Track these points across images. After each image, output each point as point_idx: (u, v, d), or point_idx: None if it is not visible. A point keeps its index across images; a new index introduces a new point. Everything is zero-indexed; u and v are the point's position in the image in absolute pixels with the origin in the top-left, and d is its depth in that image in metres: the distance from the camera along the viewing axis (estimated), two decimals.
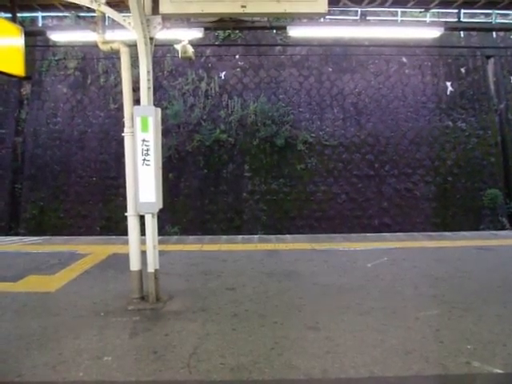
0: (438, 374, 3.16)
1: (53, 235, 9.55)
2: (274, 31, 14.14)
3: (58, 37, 7.49)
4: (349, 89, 15.22)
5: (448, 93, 15.39)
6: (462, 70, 15.57)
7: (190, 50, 6.68)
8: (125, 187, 4.71)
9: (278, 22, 9.51)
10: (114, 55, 13.00)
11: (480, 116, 15.16)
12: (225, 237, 8.53)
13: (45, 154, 14.65)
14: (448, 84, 15.44)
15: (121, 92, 4.86)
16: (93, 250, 7.11)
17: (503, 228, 13.85)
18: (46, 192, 14.36)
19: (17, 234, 12.74)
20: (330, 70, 15.37)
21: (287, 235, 9.12)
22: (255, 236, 8.90)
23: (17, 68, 6.02)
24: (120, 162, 12.76)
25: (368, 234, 8.66)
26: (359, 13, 10.59)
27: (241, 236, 8.72)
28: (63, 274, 5.73)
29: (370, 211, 14.44)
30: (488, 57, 15.65)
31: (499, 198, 14.33)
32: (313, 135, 14.74)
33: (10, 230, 13.81)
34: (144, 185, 4.49)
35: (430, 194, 14.61)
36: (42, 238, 8.51)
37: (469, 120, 15.11)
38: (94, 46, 5.40)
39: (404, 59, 15.46)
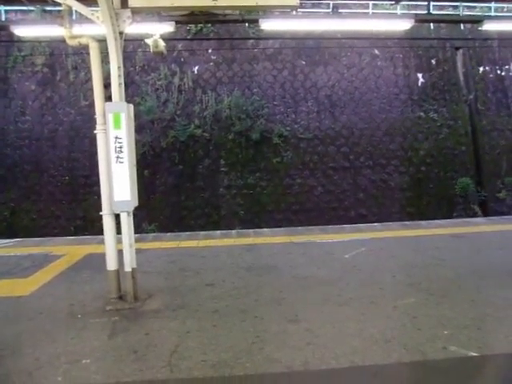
0: (416, 361, 3.23)
1: (25, 237, 9.27)
2: (247, 24, 14.07)
3: (22, 31, 7.26)
4: (322, 81, 15.30)
5: (419, 84, 15.66)
6: (433, 61, 15.86)
7: (162, 44, 6.58)
8: (99, 186, 4.62)
9: (250, 16, 9.45)
10: (83, 51, 12.68)
11: (451, 106, 15.50)
12: (203, 233, 8.48)
13: (14, 153, 14.21)
14: (419, 75, 15.71)
15: (91, 88, 4.75)
16: (68, 250, 6.96)
17: (475, 215, 14.24)
18: (17, 193, 13.95)
19: None
20: (304, 62, 15.40)
21: (265, 229, 9.15)
22: (233, 231, 8.89)
23: None
24: (93, 159, 12.48)
25: (345, 226, 8.76)
26: (331, 6, 10.67)
27: (219, 231, 8.69)
28: (37, 276, 5.59)
29: (346, 203, 14.61)
30: (457, 48, 15.97)
31: (470, 186, 14.72)
32: (288, 128, 14.77)
33: None
34: (118, 183, 4.41)
35: (404, 184, 14.88)
36: (14, 240, 8.26)
37: (440, 110, 15.42)
38: (62, 41, 5.26)
39: (376, 51, 15.63)
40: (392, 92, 15.41)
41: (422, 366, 3.21)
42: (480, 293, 4.59)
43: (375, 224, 8.94)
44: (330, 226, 8.83)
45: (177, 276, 5.49)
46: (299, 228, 8.98)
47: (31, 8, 11.61)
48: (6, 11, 13.77)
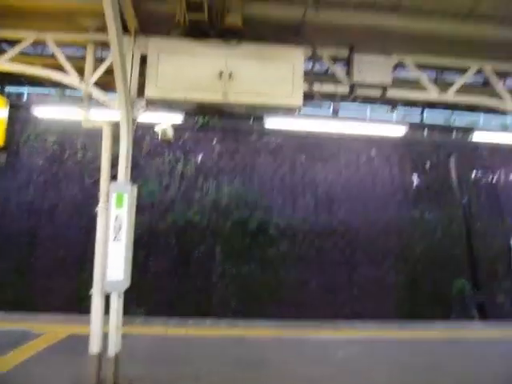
0: None
1: (10, 310, 8.92)
2: (251, 120, 14.91)
3: (42, 112, 7.67)
4: (321, 177, 15.81)
5: (414, 185, 16.17)
6: (427, 164, 16.54)
7: (170, 132, 6.96)
8: (92, 263, 4.58)
9: (256, 112, 10.06)
10: (94, 132, 13.27)
11: (445, 208, 15.84)
12: (192, 321, 8.19)
13: (12, 224, 14.19)
14: (414, 177, 16.28)
15: (97, 168, 4.93)
16: (50, 329, 6.68)
17: (472, 318, 13.85)
18: (9, 264, 13.66)
19: None
20: (303, 159, 16.04)
21: (256, 321, 8.83)
22: (223, 321, 8.58)
23: None
24: (89, 237, 12.44)
25: (339, 322, 8.49)
26: (331, 107, 11.43)
27: (209, 320, 8.40)
28: (14, 355, 5.30)
29: (341, 299, 14.27)
30: (450, 153, 16.75)
31: (467, 288, 14.51)
32: (285, 221, 14.93)
33: None
34: (113, 262, 4.39)
35: (400, 283, 14.67)
36: None
37: (435, 212, 15.73)
38: (76, 122, 5.57)
39: (373, 152, 16.36)
40: (388, 191, 15.85)
41: None
42: None
43: (370, 323, 8.67)
44: (324, 322, 8.55)
45: (162, 365, 5.22)
46: (291, 322, 8.68)
47: (53, 91, 12.37)
48: (29, 93, 14.73)
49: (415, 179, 16.21)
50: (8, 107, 6.26)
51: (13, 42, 5.70)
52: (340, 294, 14.32)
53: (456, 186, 16.42)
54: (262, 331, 7.32)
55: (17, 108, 10.32)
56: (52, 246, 14.05)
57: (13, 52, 5.36)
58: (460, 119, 16.71)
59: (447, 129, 16.05)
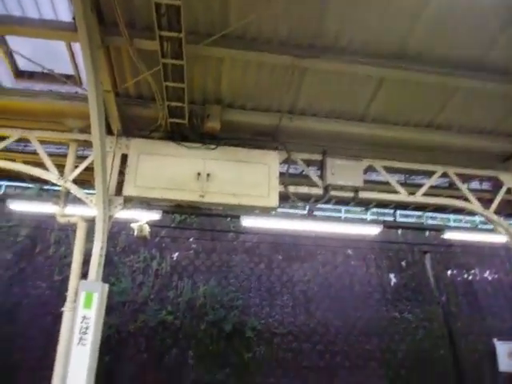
0: None
1: None
2: (228, 219, 15.08)
3: (17, 206, 7.60)
4: (298, 276, 15.64)
5: (392, 284, 16.10)
6: (403, 263, 16.66)
7: (147, 229, 6.94)
8: (52, 370, 4.22)
9: (232, 212, 10.24)
10: (69, 227, 13.10)
11: (424, 307, 15.64)
12: None
13: None
14: (391, 276, 16.28)
15: (68, 264, 4.79)
16: None
17: None
18: None
19: None
20: (280, 257, 15.99)
21: None
22: None
23: None
24: (51, 340, 11.63)
25: None
26: (307, 208, 11.72)
27: None
28: None
29: None
30: (425, 252, 17.01)
31: None
32: (262, 322, 14.39)
33: None
34: (75, 369, 4.06)
35: None
36: None
37: (414, 311, 15.49)
38: (51, 216, 5.52)
39: (349, 251, 16.49)
40: (366, 291, 15.69)
41: None
42: None
43: None
44: None
45: None
46: None
47: (30, 185, 12.43)
48: (7, 186, 14.77)
49: (392, 278, 16.20)
50: None
51: None
52: None
53: (433, 285, 16.42)
54: None
55: None
56: (7, 348, 12.96)
57: None
58: (432, 218, 17.28)
59: (420, 227, 16.50)
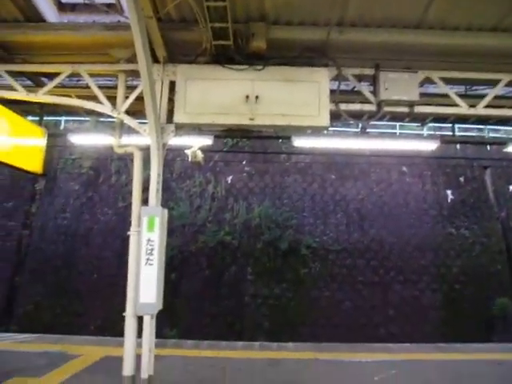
0: None
1: (46, 333, 9.15)
2: (280, 140, 14.99)
3: (77, 139, 7.99)
4: (351, 195, 15.63)
5: (449, 201, 15.74)
6: (461, 179, 16.10)
7: (200, 155, 7.09)
8: (125, 285, 4.66)
9: (283, 133, 10.14)
10: (127, 156, 13.69)
11: (482, 223, 15.31)
12: (224, 343, 8.15)
13: (49, 248, 14.68)
14: (448, 192, 15.86)
15: (130, 191, 5.06)
16: (85, 351, 6.80)
17: None
18: (45, 287, 14.09)
19: (7, 331, 12.22)
20: (333, 177, 15.94)
21: (289, 343, 8.70)
22: (256, 343, 8.50)
23: (35, 166, 6.40)
24: (122, 260, 12.71)
25: (374, 344, 8.25)
26: (360, 126, 11.36)
27: (241, 342, 8.35)
28: (50, 376, 5.42)
29: (375, 319, 13.89)
30: (485, 167, 16.26)
31: (509, 307, 13.83)
32: (316, 240, 14.79)
33: (0, 326, 13.27)
34: (145, 285, 4.46)
35: (437, 302, 14.17)
36: (34, 335, 8.18)
37: (472, 227, 15.22)
38: (109, 147, 5.78)
39: (404, 168, 16.09)
40: (421, 208, 15.48)
41: None
42: None
43: (407, 344, 8.40)
44: (359, 344, 8.33)
45: None
46: (325, 344, 8.52)
47: (87, 118, 12.92)
48: (66, 121, 15.48)
49: (449, 194, 15.78)
50: (46, 136, 6.55)
51: (50, 75, 6.03)
52: (374, 314, 13.95)
53: (493, 200, 15.87)
54: (295, 353, 7.20)
55: (54, 136, 10.83)
56: (87, 268, 14.40)
57: (50, 85, 5.64)
58: (494, 131, 16.23)
59: (481, 142, 15.60)
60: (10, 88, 5.68)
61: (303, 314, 13.85)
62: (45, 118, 8.50)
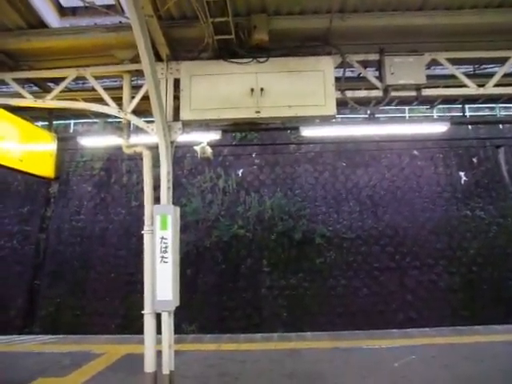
0: None
1: (67, 333, 9.35)
2: (288, 131, 14.92)
3: (86, 141, 8.05)
4: (363, 182, 15.54)
5: (462, 182, 15.55)
6: (474, 159, 15.89)
7: (209, 150, 7.09)
8: (142, 284, 4.72)
9: (290, 123, 10.09)
10: (137, 156, 13.77)
11: (498, 203, 15.10)
12: (243, 335, 8.22)
13: (66, 250, 14.92)
14: (461, 174, 15.67)
15: (142, 190, 5.10)
16: (107, 349, 6.92)
17: None
18: (64, 288, 14.35)
19: (31, 333, 12.49)
20: (344, 164, 15.85)
21: (308, 333, 8.74)
22: (275, 334, 8.56)
23: (47, 171, 6.47)
24: (139, 257, 12.84)
25: (393, 330, 8.25)
26: (368, 112, 11.23)
27: (260, 334, 8.40)
28: (75, 376, 5.54)
29: (393, 305, 13.86)
30: (498, 146, 15.99)
31: None
32: (330, 228, 14.77)
33: (24, 329, 13.57)
34: (161, 282, 4.51)
35: (455, 285, 14.07)
36: (56, 336, 8.36)
37: (487, 208, 15.04)
38: (119, 148, 5.82)
39: (415, 152, 15.92)
40: (434, 191, 15.33)
41: None
42: None
43: (426, 329, 8.36)
44: (377, 331, 8.34)
45: (214, 382, 5.27)
46: (344, 332, 8.54)
47: (96, 121, 13.02)
48: (75, 124, 15.64)
49: (463, 176, 15.58)
50: (56, 141, 6.62)
51: (56, 80, 6.08)
52: (392, 300, 13.91)
53: (508, 179, 15.64)
54: (314, 343, 7.23)
55: (64, 140, 10.96)
56: (104, 268, 14.60)
57: (57, 90, 5.69)
58: (506, 109, 15.94)
59: (492, 121, 15.33)
60: (18, 95, 5.74)
61: (321, 303, 13.88)
62: (54, 123, 8.58)
